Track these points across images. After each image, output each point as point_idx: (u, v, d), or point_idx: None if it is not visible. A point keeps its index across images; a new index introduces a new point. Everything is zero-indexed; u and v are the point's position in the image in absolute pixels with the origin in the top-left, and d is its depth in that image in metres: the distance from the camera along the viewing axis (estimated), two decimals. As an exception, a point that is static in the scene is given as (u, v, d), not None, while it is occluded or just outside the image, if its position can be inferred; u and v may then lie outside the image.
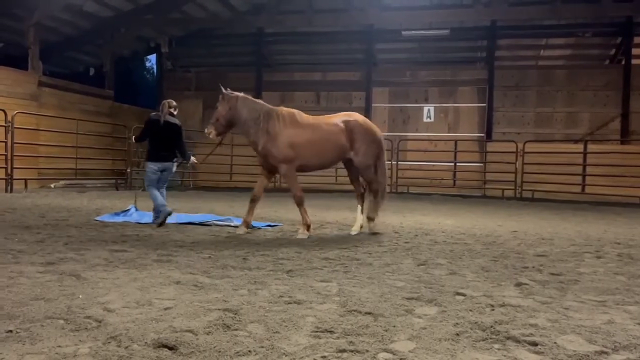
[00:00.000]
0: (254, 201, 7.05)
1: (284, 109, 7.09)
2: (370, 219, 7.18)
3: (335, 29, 20.05)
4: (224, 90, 7.09)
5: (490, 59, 19.01)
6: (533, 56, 20.16)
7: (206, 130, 7.11)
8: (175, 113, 7.94)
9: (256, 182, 7.32)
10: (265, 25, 20.40)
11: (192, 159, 8.29)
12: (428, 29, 19.04)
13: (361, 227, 7.17)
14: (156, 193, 7.68)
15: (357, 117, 7.24)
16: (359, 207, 7.36)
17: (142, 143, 8.23)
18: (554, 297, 3.69)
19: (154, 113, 8.00)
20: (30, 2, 15.68)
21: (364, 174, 7.26)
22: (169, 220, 7.80)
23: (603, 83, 18.07)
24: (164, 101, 8.01)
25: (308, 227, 6.84)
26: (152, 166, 7.70)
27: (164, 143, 7.74)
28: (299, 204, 6.94)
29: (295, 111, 7.11)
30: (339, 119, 7.11)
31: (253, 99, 7.18)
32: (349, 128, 6.97)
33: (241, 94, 7.11)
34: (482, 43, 19.74)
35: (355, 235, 6.92)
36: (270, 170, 7.10)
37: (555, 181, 15.64)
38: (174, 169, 7.98)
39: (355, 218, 7.38)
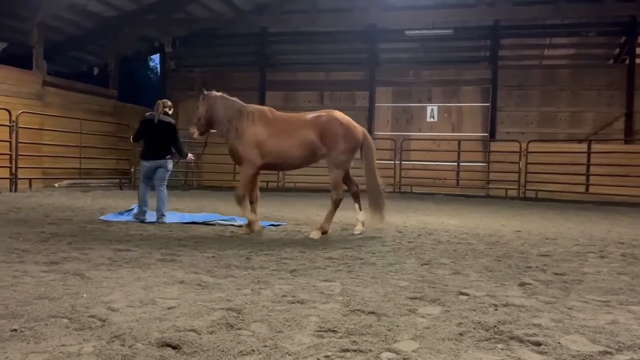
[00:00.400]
0: (252, 203, 7.09)
1: (256, 107, 7.11)
2: (322, 229, 6.71)
3: (339, 29, 20.04)
4: (205, 92, 7.22)
5: (494, 59, 18.96)
6: (537, 56, 20.09)
7: (190, 130, 7.29)
8: (170, 112, 8.12)
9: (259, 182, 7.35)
10: (268, 25, 20.41)
11: (190, 155, 8.45)
12: (431, 29, 18.98)
13: (363, 225, 7.15)
14: (144, 193, 7.92)
15: (334, 113, 6.93)
16: (356, 205, 7.21)
17: None
18: (558, 297, 3.68)
19: (148, 113, 8.21)
20: (34, 1, 15.71)
21: (331, 173, 6.79)
22: (173, 220, 7.90)
23: (607, 82, 18.00)
24: (159, 101, 8.20)
25: (251, 224, 6.83)
26: (145, 164, 7.96)
27: (158, 142, 7.91)
28: (240, 202, 6.90)
29: (267, 108, 7.11)
30: (311, 115, 6.98)
31: (229, 97, 7.19)
32: (320, 123, 6.73)
33: (219, 93, 7.19)
34: (485, 43, 19.69)
35: (358, 235, 6.91)
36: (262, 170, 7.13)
37: (559, 181, 15.60)
38: (170, 166, 8.09)
39: (356, 218, 7.25)
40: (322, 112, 7.00)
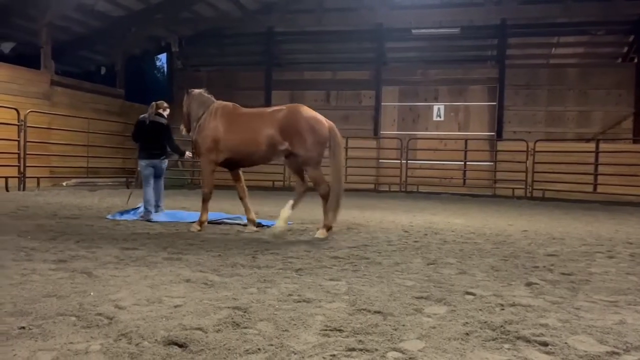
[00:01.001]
0: (242, 199, 7.28)
1: (221, 103, 7.15)
2: (326, 227, 6.62)
3: (345, 28, 20.01)
4: (188, 91, 7.43)
5: (501, 58, 18.87)
6: (544, 54, 19.99)
7: (180, 128, 7.56)
8: (164, 114, 8.31)
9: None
10: (275, 24, 20.42)
11: (188, 153, 8.59)
12: (438, 28, 18.96)
13: (284, 222, 6.73)
14: (149, 192, 8.09)
15: (296, 107, 6.82)
16: (291, 201, 6.86)
17: None
18: (565, 297, 3.67)
19: (142, 115, 8.41)
20: (42, 2, 15.80)
21: (308, 170, 6.73)
22: (178, 219, 7.98)
23: (615, 82, 17.88)
24: (153, 102, 8.40)
25: (201, 224, 6.92)
26: (142, 163, 8.22)
27: (151, 142, 8.16)
28: (204, 200, 7.08)
29: (231, 104, 7.17)
30: (271, 109, 6.98)
31: (206, 95, 7.27)
32: (279, 117, 6.62)
33: (198, 91, 7.34)
34: (492, 41, 19.59)
35: (362, 234, 6.89)
36: (231, 167, 7.25)
37: (566, 180, 15.50)
38: (164, 165, 8.36)
39: (281, 212, 6.84)
40: (284, 106, 6.94)
